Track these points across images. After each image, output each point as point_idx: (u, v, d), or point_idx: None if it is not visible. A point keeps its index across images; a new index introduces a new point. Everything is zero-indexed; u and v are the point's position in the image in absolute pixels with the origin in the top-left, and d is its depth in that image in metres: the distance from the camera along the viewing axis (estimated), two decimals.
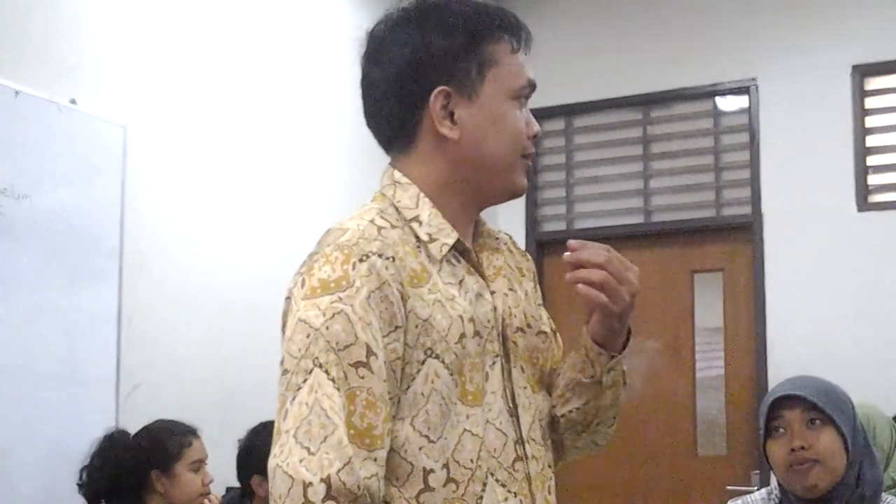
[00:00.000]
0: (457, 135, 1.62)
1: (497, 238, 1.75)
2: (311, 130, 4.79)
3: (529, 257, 1.84)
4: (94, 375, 3.57)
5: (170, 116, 4.01)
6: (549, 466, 1.69)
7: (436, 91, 1.61)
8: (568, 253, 1.63)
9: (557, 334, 1.83)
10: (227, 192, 4.26)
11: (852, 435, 2.35)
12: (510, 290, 1.70)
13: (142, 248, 3.80)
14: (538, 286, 1.82)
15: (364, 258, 1.50)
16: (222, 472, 3.55)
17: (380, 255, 1.51)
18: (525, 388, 1.66)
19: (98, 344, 3.59)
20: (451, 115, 1.62)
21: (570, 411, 1.73)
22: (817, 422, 2.36)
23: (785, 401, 2.39)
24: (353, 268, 1.49)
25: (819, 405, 2.35)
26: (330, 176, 4.84)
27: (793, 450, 2.34)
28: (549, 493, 1.65)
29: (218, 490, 3.66)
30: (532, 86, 1.68)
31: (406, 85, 1.63)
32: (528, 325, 1.71)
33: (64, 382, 3.45)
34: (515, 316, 1.68)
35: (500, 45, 1.64)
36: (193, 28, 4.16)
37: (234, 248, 4.25)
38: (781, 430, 2.39)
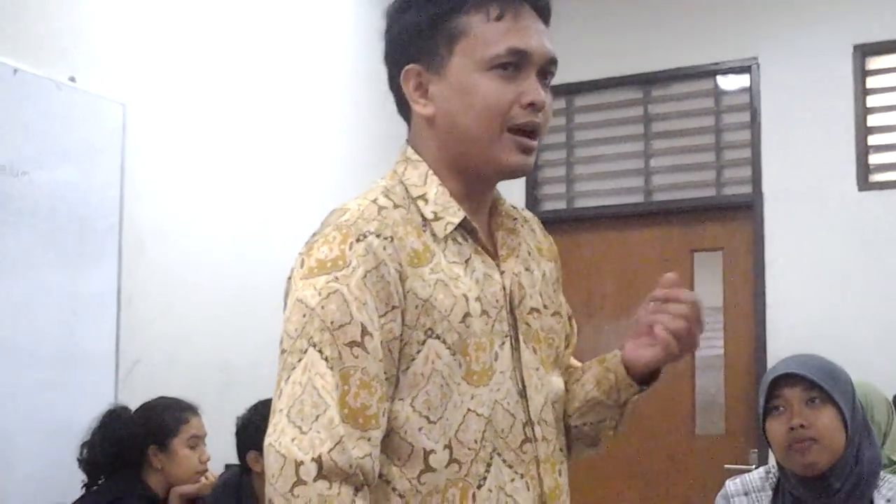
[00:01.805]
0: (431, 111, 1.61)
1: (515, 218, 1.72)
2: (312, 111, 4.78)
3: (552, 240, 1.82)
4: (94, 355, 3.57)
5: (170, 95, 4.00)
6: (561, 450, 1.68)
7: (405, 69, 1.61)
8: (660, 291, 1.62)
9: (573, 319, 1.83)
10: (227, 171, 4.25)
11: (851, 414, 2.35)
12: (526, 269, 1.68)
13: (141, 227, 3.80)
14: (559, 268, 1.80)
15: (361, 238, 1.49)
16: (221, 449, 3.55)
17: (377, 235, 1.50)
18: (538, 369, 1.64)
19: (97, 323, 3.60)
20: (427, 91, 1.61)
21: (585, 425, 1.74)
22: (817, 400, 2.36)
23: (785, 379, 2.39)
24: (350, 248, 1.49)
25: (819, 384, 2.35)
26: (329, 157, 4.84)
27: (792, 428, 2.34)
28: (560, 475, 1.64)
29: (217, 467, 3.67)
30: (515, 52, 1.58)
31: (391, 66, 1.65)
32: (545, 306, 1.69)
33: (63, 362, 3.46)
34: (531, 296, 1.66)
35: (473, 15, 1.58)
36: (193, 6, 4.15)
37: (234, 228, 4.25)
38: (781, 408, 2.39)
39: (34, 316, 3.37)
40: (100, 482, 3.21)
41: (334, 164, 4.81)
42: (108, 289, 3.64)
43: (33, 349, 3.36)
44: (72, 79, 3.55)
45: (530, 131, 1.60)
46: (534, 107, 1.59)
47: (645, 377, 1.69)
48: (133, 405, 3.37)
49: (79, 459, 3.22)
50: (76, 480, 3.23)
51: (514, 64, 1.58)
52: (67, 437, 3.27)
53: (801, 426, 2.33)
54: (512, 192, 5.56)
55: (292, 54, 4.69)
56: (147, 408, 3.30)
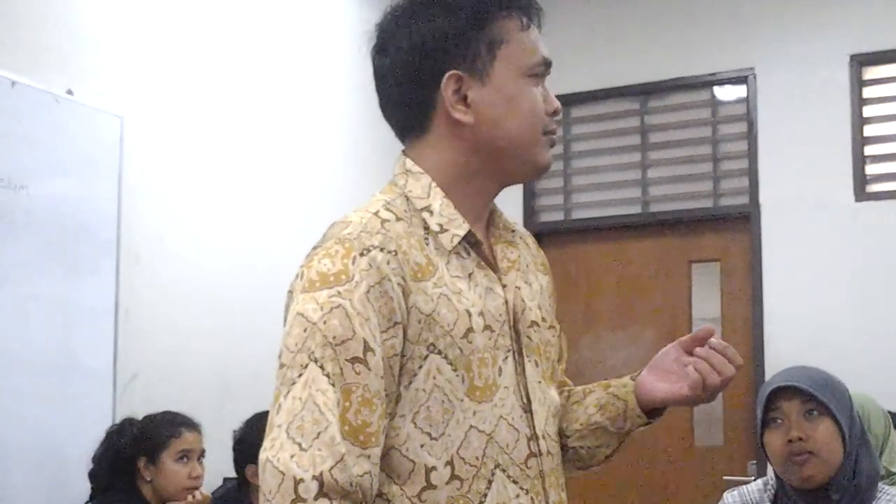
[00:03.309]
0: (471, 118, 1.59)
1: (513, 231, 1.71)
2: (310, 122, 4.78)
3: (544, 255, 1.82)
4: (91, 367, 3.57)
5: (167, 107, 4.00)
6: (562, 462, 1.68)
7: (446, 76, 1.58)
8: (715, 340, 1.69)
9: (562, 335, 1.82)
10: (225, 183, 4.25)
11: (849, 426, 2.35)
12: (525, 283, 1.67)
13: (138, 240, 3.80)
14: (552, 282, 1.80)
15: (365, 252, 1.48)
16: (218, 462, 3.55)
17: (381, 249, 1.48)
18: (540, 382, 1.63)
19: (95, 335, 3.59)
20: (465, 98, 1.59)
21: (582, 448, 1.74)
22: (815, 413, 2.35)
23: (782, 391, 2.38)
24: (354, 262, 1.47)
25: (817, 396, 2.35)
26: (328, 168, 4.84)
27: (790, 441, 2.34)
28: (562, 490, 1.64)
29: (215, 481, 3.66)
30: (547, 63, 1.64)
31: (416, 72, 1.60)
32: (543, 319, 1.68)
33: (61, 374, 3.45)
34: (531, 309, 1.65)
35: (509, 22, 1.60)
36: (191, 18, 4.15)
37: (231, 240, 4.25)
38: (779, 420, 2.38)
39: (32, 328, 3.37)
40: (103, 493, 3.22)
41: (333, 174, 4.81)
42: (106, 301, 3.64)
43: (31, 362, 3.35)
44: (69, 91, 3.56)
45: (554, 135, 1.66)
46: (556, 114, 1.65)
47: (652, 411, 1.70)
48: (133, 417, 3.38)
49: (89, 473, 3.23)
50: (74, 494, 3.23)
51: (542, 73, 1.64)
52: (65, 450, 3.27)
53: (799, 439, 2.33)
54: (509, 203, 5.56)
55: (290, 66, 4.69)
56: (144, 420, 3.31)
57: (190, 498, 3.23)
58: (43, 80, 3.47)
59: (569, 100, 5.64)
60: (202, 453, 3.31)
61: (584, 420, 1.73)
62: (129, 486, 3.21)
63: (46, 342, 3.41)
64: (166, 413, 3.32)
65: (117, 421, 3.42)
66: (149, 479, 3.22)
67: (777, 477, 2.46)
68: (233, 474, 3.56)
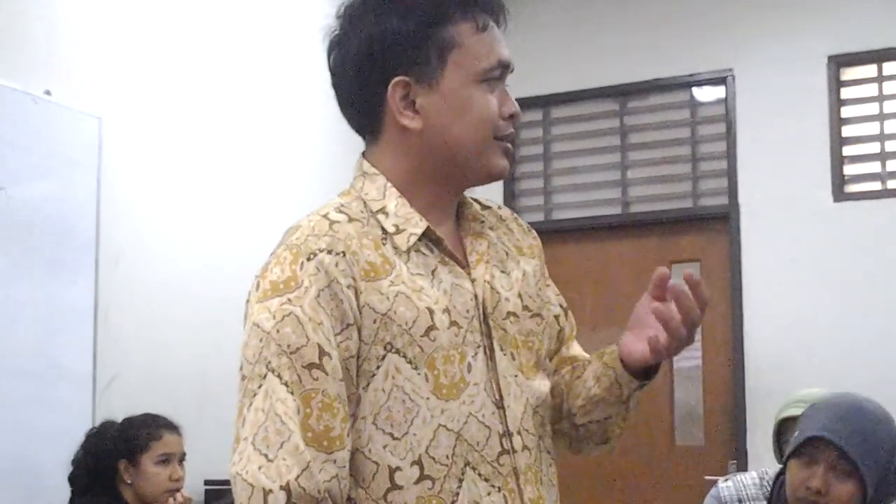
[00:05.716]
0: (419, 125, 1.55)
1: (482, 221, 1.67)
2: (287, 123, 4.77)
3: (536, 235, 1.78)
4: (71, 369, 3.54)
5: (145, 107, 3.98)
6: (548, 452, 1.65)
7: (393, 82, 1.54)
8: (690, 273, 1.61)
9: (569, 312, 1.80)
10: (203, 184, 4.23)
11: (875, 484, 2.29)
12: (502, 272, 1.64)
13: (117, 241, 3.77)
14: (543, 262, 1.76)
15: (311, 256, 1.47)
16: (199, 464, 3.53)
17: (329, 252, 1.47)
18: (516, 375, 1.60)
19: (74, 337, 3.57)
20: (413, 103, 1.55)
21: (591, 423, 1.69)
22: (843, 472, 2.29)
23: (819, 438, 2.32)
24: (301, 267, 1.47)
25: (850, 455, 2.28)
26: (305, 167, 4.82)
27: (809, 488, 2.31)
28: (542, 484, 1.60)
29: (196, 483, 3.64)
30: (504, 65, 1.58)
31: (365, 74, 1.56)
32: (525, 307, 1.65)
33: (40, 376, 3.43)
34: (508, 300, 1.62)
35: (463, 25, 1.55)
36: (168, 18, 4.13)
37: (210, 241, 4.23)
38: (806, 458, 2.34)
39: (11, 331, 3.34)
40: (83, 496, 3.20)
41: (311, 175, 4.79)
42: (86, 303, 3.62)
43: (10, 364, 3.33)
44: (47, 92, 3.53)
45: (510, 139, 1.61)
46: (514, 118, 1.60)
47: (645, 371, 1.64)
48: (112, 418, 3.35)
49: (69, 476, 3.21)
50: (53, 497, 3.20)
51: (498, 76, 1.58)
52: (45, 453, 3.24)
53: (819, 492, 2.29)
54: None
55: (266, 66, 4.68)
56: (124, 423, 3.29)
57: (171, 501, 3.21)
58: (21, 80, 3.44)
59: (548, 101, 5.65)
60: (183, 456, 3.29)
61: (585, 395, 1.68)
62: (110, 489, 3.19)
63: (25, 344, 3.39)
64: (146, 415, 3.30)
65: (97, 423, 3.40)
66: (129, 481, 3.20)
67: (777, 483, 2.44)
68: (213, 477, 3.55)
